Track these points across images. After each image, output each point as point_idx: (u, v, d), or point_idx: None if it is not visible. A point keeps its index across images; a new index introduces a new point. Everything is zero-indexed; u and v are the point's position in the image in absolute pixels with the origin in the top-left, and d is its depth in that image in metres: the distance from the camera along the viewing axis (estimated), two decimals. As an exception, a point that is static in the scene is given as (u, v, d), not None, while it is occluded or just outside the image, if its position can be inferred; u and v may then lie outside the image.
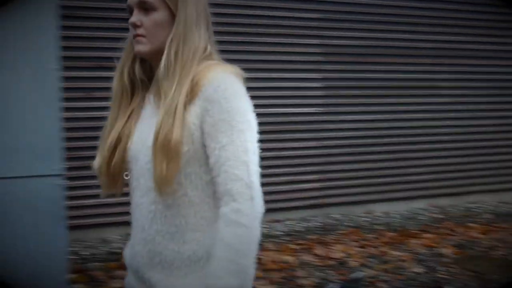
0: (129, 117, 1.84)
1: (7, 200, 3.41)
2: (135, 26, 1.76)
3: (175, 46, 1.72)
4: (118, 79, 1.85)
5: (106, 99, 5.99)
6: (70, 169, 4.74)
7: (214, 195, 1.70)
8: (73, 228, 4.72)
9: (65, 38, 4.40)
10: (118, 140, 1.83)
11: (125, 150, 1.82)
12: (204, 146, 1.69)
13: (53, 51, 3.52)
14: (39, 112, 3.49)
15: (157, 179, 1.68)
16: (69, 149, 4.73)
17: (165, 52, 1.72)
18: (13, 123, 3.42)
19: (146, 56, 1.79)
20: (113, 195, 1.91)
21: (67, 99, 4.68)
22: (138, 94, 1.85)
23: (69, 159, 4.80)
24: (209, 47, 1.78)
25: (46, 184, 3.49)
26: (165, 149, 1.65)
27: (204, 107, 1.67)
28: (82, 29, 5.71)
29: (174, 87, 1.69)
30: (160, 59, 1.74)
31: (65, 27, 4.57)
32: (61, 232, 3.56)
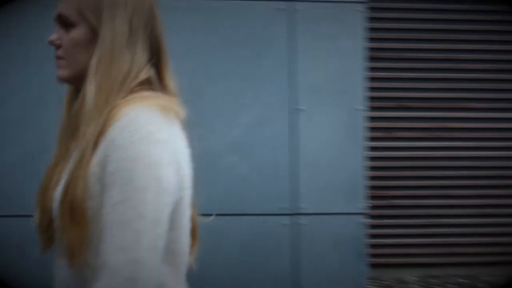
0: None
1: (315, 236, 3.59)
2: (54, 45, 1.41)
3: (100, 74, 1.33)
4: (64, 110, 1.48)
5: (407, 139, 5.97)
6: (372, 207, 4.81)
7: None
8: (371, 266, 4.77)
9: (370, 79, 4.50)
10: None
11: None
12: None
13: (361, 92, 3.63)
14: (345, 150, 3.60)
15: (67, 249, 1.30)
16: (371, 188, 4.81)
17: (87, 80, 1.33)
18: (322, 160, 3.60)
19: (68, 83, 1.44)
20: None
21: (370, 139, 4.78)
22: None
23: (372, 197, 4.87)
24: (144, 72, 1.37)
25: (350, 221, 3.58)
26: (71, 209, 1.28)
27: (106, 152, 1.27)
28: (386, 70, 5.81)
29: (93, 127, 1.30)
30: None
31: (370, 69, 4.70)
32: (361, 270, 3.60)
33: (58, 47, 1.40)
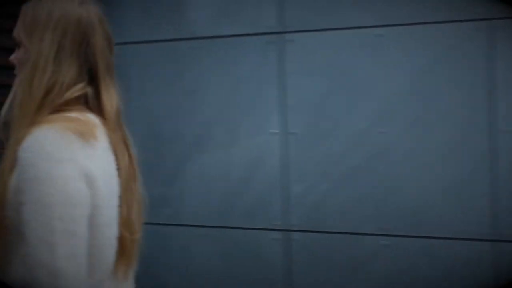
0: None
1: None
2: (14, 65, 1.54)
3: (21, 91, 1.43)
4: None
5: None
6: None
7: None
8: None
9: None
10: None
11: None
12: None
13: None
14: None
15: None
16: None
17: (11, 98, 1.46)
18: None
19: None
20: None
21: None
22: None
23: None
24: (73, 91, 1.44)
25: None
26: None
27: (18, 170, 1.35)
28: None
29: (12, 142, 1.39)
30: None
31: None
32: None
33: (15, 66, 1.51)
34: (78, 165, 1.34)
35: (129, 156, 1.52)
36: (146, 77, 3.98)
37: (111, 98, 1.49)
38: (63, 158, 1.33)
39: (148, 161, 3.83)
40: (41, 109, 1.41)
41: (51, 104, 1.42)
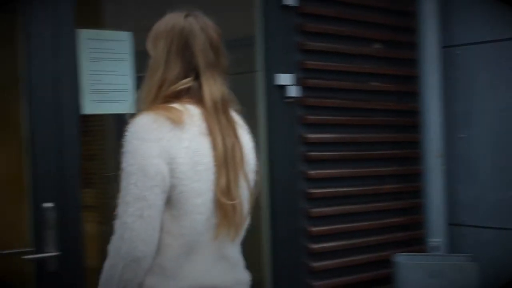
0: None
1: None
2: None
3: (144, 86, 1.83)
4: None
5: None
6: None
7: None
8: None
9: None
10: None
11: None
12: None
13: None
14: None
15: None
16: None
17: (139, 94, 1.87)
18: None
19: None
20: None
21: None
22: None
23: None
24: (178, 85, 1.79)
25: None
26: None
27: None
28: None
29: None
30: None
31: None
32: None
33: None
34: (161, 144, 1.71)
35: (236, 139, 1.82)
36: (494, 77, 3.87)
37: (211, 90, 1.81)
38: (149, 138, 1.71)
39: (500, 163, 3.79)
40: (155, 100, 1.80)
41: (162, 96, 1.80)
